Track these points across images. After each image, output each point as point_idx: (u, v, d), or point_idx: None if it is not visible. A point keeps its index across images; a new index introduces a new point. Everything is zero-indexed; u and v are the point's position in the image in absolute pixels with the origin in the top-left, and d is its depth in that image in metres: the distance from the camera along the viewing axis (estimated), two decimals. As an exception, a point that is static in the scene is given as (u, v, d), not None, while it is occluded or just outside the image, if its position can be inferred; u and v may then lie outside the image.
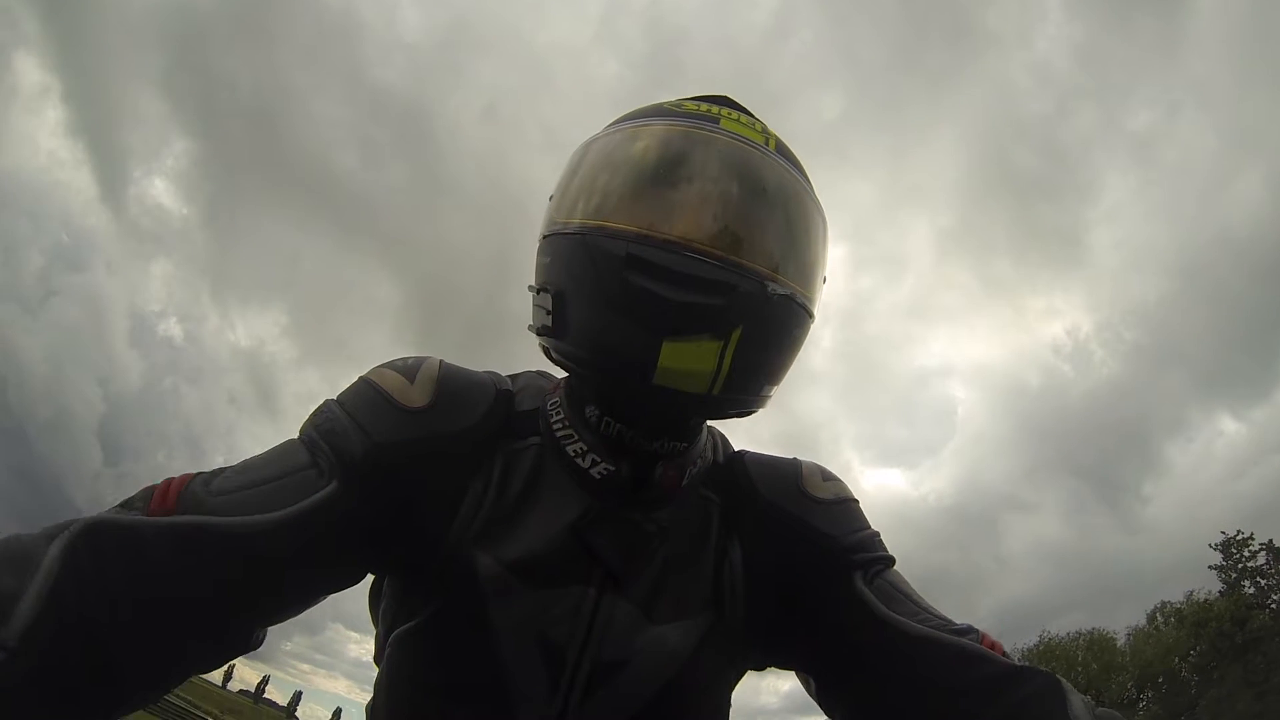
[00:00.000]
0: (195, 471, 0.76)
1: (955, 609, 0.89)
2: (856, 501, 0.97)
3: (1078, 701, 0.72)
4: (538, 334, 0.86)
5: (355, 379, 0.87)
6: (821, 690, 0.93)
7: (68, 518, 0.63)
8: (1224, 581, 29.00)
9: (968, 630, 0.83)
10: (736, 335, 0.74)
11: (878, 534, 0.94)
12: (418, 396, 0.84)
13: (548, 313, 0.82)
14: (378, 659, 0.91)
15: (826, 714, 0.93)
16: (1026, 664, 0.80)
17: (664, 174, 0.79)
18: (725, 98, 0.89)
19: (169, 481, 0.73)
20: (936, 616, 0.85)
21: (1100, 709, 0.73)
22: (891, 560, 0.92)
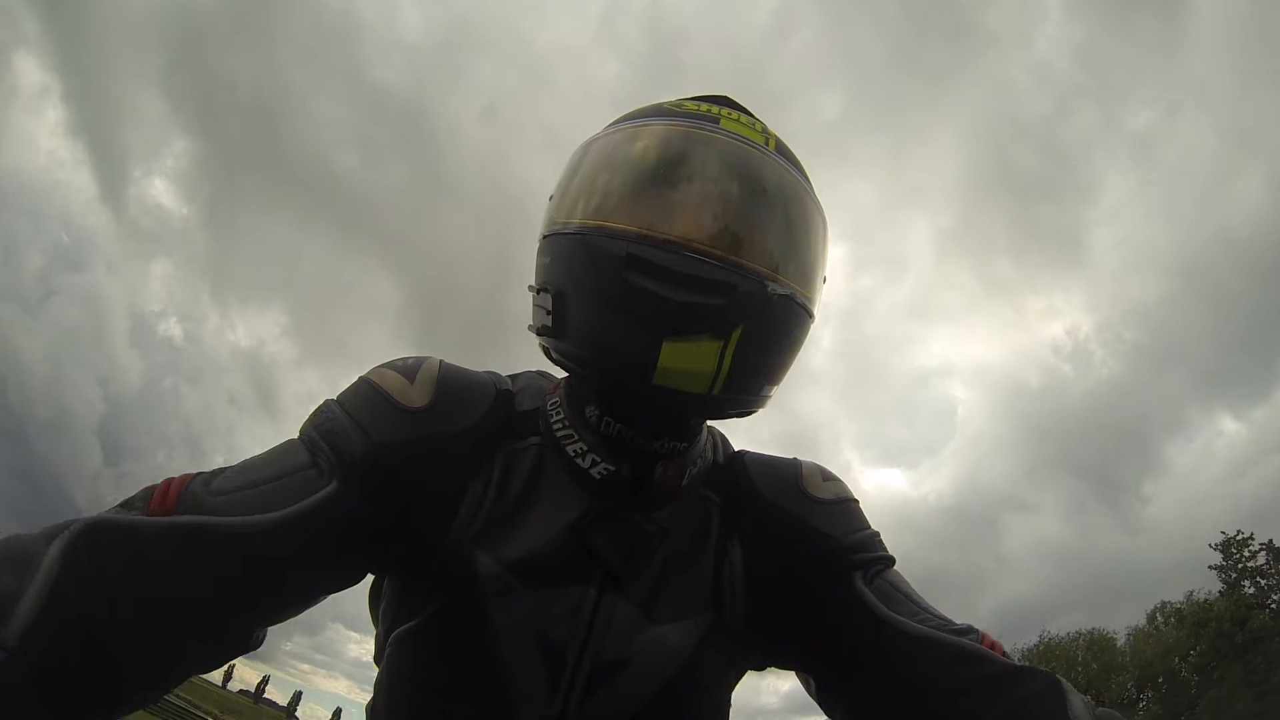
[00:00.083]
0: (195, 471, 0.76)
1: (955, 609, 0.89)
2: (856, 501, 0.97)
3: (1078, 701, 0.72)
4: (538, 334, 0.86)
5: (355, 379, 0.87)
6: (821, 690, 0.93)
7: (68, 518, 0.63)
8: (1224, 581, 29.01)
9: (968, 630, 0.83)
10: (736, 335, 0.74)
11: (878, 534, 0.94)
12: (418, 396, 0.84)
13: (548, 313, 0.82)
14: (378, 659, 0.91)
15: (826, 714, 0.93)
16: (1026, 664, 0.80)
17: (664, 174, 0.79)
18: (725, 98, 0.89)
19: (169, 481, 0.73)
20: (936, 616, 0.85)
21: (1100, 709, 0.73)
22: (891, 560, 0.92)
